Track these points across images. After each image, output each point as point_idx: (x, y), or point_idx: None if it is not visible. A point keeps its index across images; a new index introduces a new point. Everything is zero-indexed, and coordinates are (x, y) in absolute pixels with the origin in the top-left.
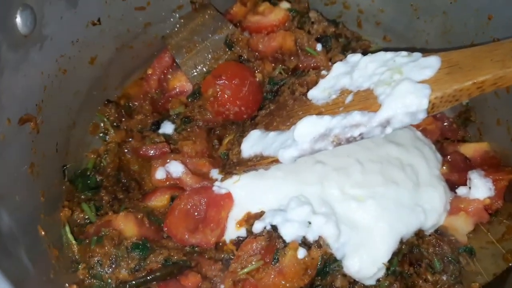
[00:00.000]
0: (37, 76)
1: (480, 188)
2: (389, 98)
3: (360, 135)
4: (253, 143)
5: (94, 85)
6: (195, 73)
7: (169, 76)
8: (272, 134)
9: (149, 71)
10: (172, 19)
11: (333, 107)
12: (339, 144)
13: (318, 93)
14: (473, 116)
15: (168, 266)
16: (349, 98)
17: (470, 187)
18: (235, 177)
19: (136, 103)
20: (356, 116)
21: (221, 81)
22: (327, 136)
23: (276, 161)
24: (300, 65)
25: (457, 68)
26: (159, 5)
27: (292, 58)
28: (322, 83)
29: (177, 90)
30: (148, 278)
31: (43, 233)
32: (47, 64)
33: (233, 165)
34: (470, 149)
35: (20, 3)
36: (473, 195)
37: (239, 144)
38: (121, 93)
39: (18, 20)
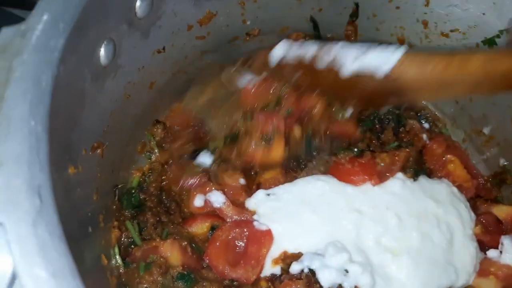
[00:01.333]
0: (108, 103)
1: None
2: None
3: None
4: None
5: (148, 107)
6: None
7: None
8: None
9: None
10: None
11: None
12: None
13: None
14: (509, 179)
15: None
16: None
17: (501, 251)
18: (273, 215)
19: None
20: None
21: None
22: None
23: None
24: None
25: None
26: (216, 35)
27: None
28: None
29: None
30: None
31: (106, 262)
32: (117, 91)
33: None
34: (503, 212)
35: (106, 37)
36: (504, 260)
37: None
38: (168, 113)
39: (102, 53)
